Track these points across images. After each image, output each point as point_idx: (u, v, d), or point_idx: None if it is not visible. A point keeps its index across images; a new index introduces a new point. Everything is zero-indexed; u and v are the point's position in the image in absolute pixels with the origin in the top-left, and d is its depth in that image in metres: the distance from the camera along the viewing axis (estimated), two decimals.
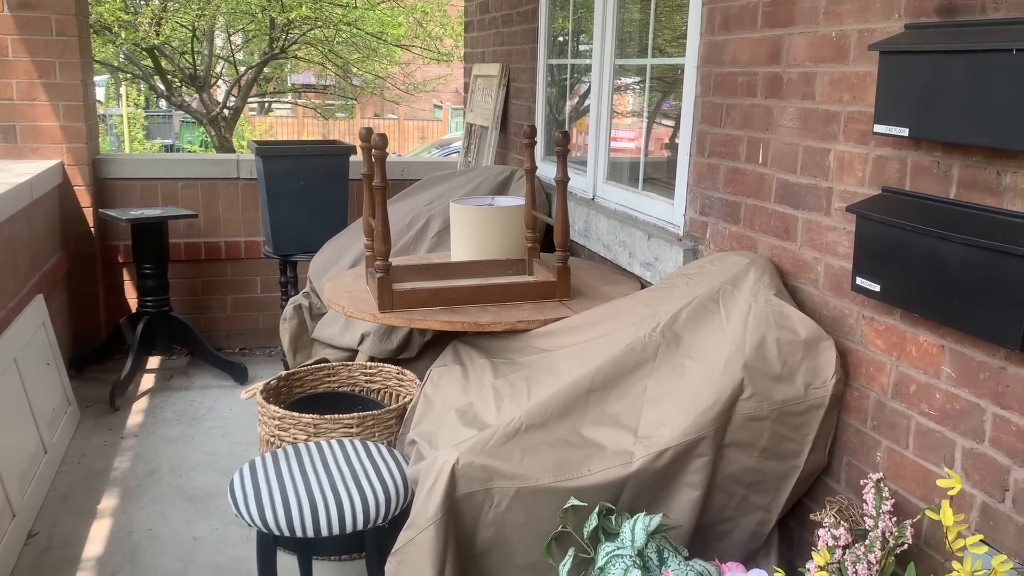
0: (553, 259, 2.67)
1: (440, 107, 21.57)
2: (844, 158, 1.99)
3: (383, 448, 2.41)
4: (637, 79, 3.47)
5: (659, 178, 3.13)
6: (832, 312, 2.03)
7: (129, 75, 9.12)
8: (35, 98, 4.22)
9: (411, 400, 2.57)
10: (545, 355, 2.41)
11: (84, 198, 4.37)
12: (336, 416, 2.68)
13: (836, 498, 1.89)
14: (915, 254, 1.66)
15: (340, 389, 3.19)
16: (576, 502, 1.81)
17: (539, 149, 4.03)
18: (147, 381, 4.36)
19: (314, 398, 3.11)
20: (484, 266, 2.95)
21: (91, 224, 4.40)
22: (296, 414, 2.69)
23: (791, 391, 1.93)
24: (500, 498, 1.84)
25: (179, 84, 8.30)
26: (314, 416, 2.69)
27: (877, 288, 1.77)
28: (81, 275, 4.45)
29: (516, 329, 2.49)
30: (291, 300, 3.60)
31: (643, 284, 2.87)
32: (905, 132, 1.67)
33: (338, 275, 3.22)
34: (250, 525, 2.14)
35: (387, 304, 2.54)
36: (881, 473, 1.72)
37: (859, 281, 1.83)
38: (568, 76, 3.89)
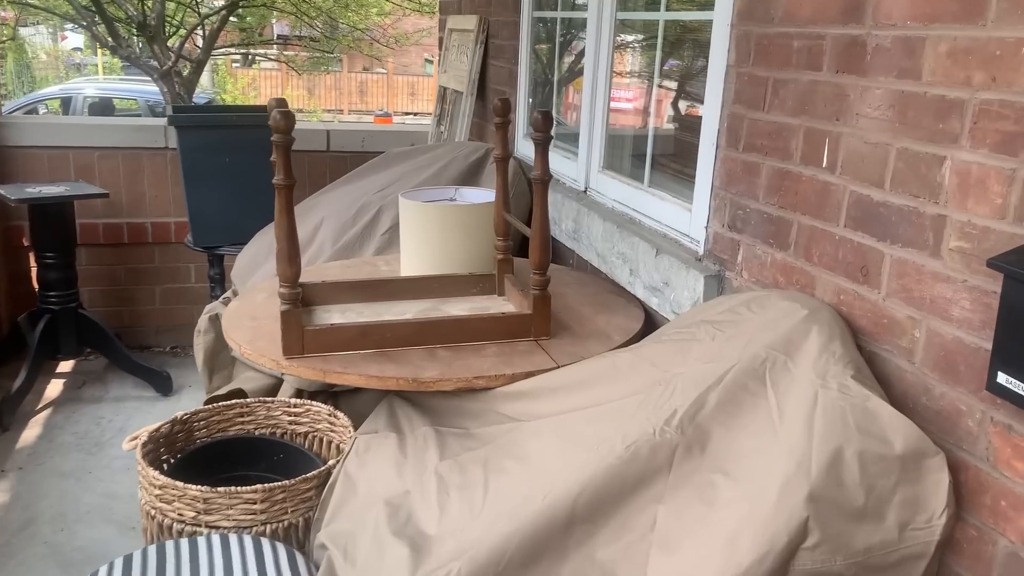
0: (530, 284, 1.97)
1: (432, 62, 20.61)
2: (970, 172, 1.28)
3: (283, 556, 1.73)
4: (645, 38, 2.73)
5: (673, 169, 2.42)
6: (937, 405, 1.35)
7: (69, 21, 8.26)
8: None
9: (337, 463, 1.88)
10: (512, 427, 1.73)
11: None
12: (233, 489, 2.00)
13: None
14: None
15: (258, 432, 2.51)
16: None
17: (521, 124, 3.30)
18: (53, 389, 3.67)
19: (222, 446, 2.42)
20: (439, 283, 2.25)
21: None
22: (181, 485, 2.01)
23: (879, 534, 1.25)
24: None
25: (131, 33, 7.42)
26: (203, 489, 2.00)
27: None
28: None
29: (472, 388, 1.79)
30: (207, 308, 2.90)
31: (648, 314, 2.17)
32: None
33: (257, 284, 2.51)
34: None
35: (295, 347, 1.84)
36: None
37: (1002, 379, 1.14)
38: (558, 32, 3.15)
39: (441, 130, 3.99)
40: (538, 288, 1.96)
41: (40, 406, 3.50)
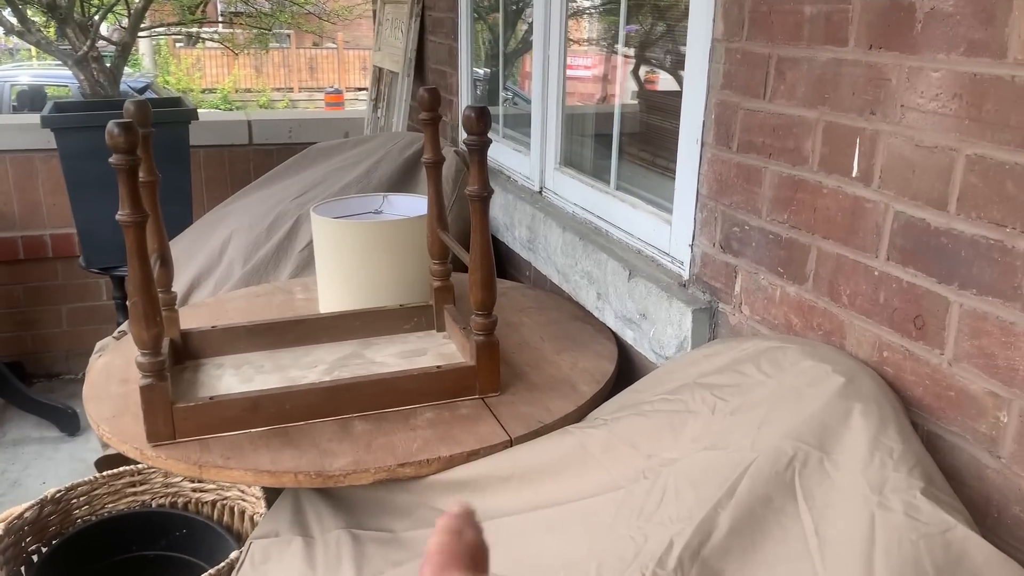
0: (472, 327, 1.54)
1: None
2: None
3: None
4: (604, 4, 2.30)
5: (651, 163, 2.00)
6: None
7: None
8: None
9: (239, 554, 1.45)
10: None
11: None
12: None
13: None
14: None
15: (155, 504, 2.06)
16: None
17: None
18: None
19: (108, 526, 1.98)
20: (363, 320, 1.82)
21: None
22: None
23: None
24: None
25: (40, 15, 6.77)
26: None
27: None
28: None
29: (396, 477, 1.37)
30: (97, 347, 2.44)
31: (623, 348, 1.76)
32: None
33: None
34: None
35: (162, 431, 1.39)
36: None
37: None
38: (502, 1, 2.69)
39: (378, 115, 3.52)
40: (482, 333, 1.53)
41: None
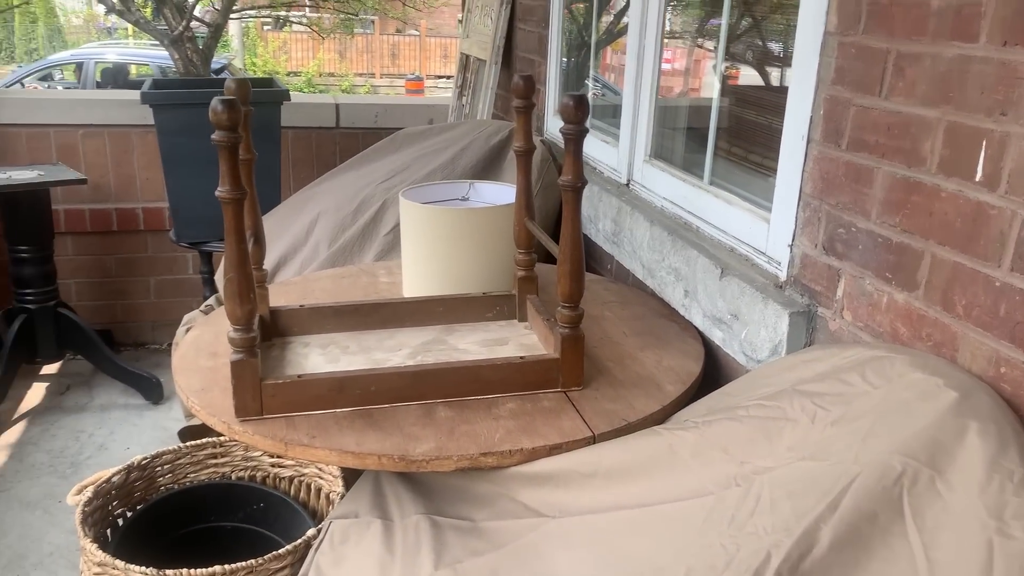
0: (557, 319, 1.52)
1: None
2: None
3: None
4: None
5: (743, 159, 1.94)
6: None
7: None
8: None
9: (319, 531, 1.47)
10: (533, 525, 1.29)
11: None
12: (186, 573, 1.60)
13: None
14: None
15: (235, 477, 2.10)
16: None
17: (552, 98, 2.82)
18: (34, 395, 3.31)
19: (190, 494, 2.03)
20: (446, 307, 1.81)
21: None
22: (122, 565, 1.61)
23: None
24: None
25: None
26: (148, 572, 1.60)
27: None
28: None
29: (478, 466, 1.35)
30: (185, 319, 2.49)
31: (710, 350, 1.71)
32: None
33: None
34: None
35: (250, 407, 1.41)
36: None
37: None
38: None
39: (463, 103, 3.52)
40: (568, 326, 1.50)
41: (16, 416, 3.15)
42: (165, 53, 10.29)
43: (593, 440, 1.38)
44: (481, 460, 1.35)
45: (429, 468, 1.34)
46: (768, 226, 1.60)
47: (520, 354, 1.62)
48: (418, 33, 19.62)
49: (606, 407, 1.48)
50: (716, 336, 1.68)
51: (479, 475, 1.38)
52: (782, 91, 1.57)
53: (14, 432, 3.04)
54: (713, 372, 1.68)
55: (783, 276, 1.55)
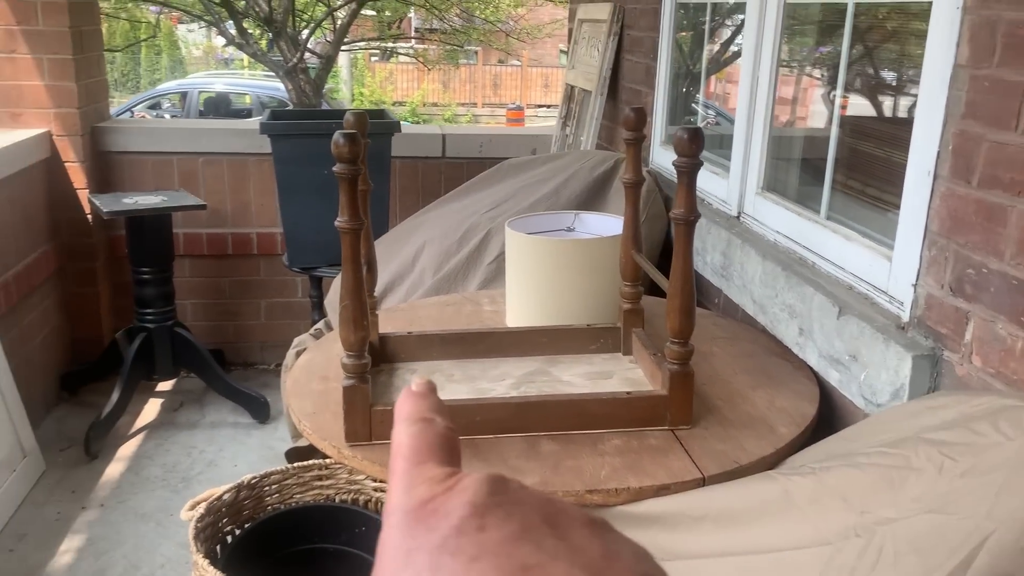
0: (666, 355, 1.49)
1: (566, 53, 20.20)
2: None
3: None
4: (824, 23, 2.19)
5: (860, 193, 1.87)
6: None
7: (192, 16, 8.30)
8: (14, 50, 3.30)
9: None
10: None
11: (78, 177, 3.46)
12: None
13: None
14: None
15: (339, 499, 2.14)
16: None
17: (659, 129, 2.80)
18: (150, 410, 3.47)
19: (294, 516, 2.07)
20: (550, 338, 1.80)
21: (88, 210, 3.49)
22: None
23: None
24: None
25: (255, 28, 7.30)
26: None
27: None
28: (77, 272, 3.58)
29: (583, 504, 1.34)
30: (295, 342, 2.57)
31: (825, 392, 1.65)
32: None
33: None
34: None
35: (360, 432, 1.43)
36: None
37: None
38: (707, 18, 2.63)
39: (567, 132, 3.54)
40: (677, 362, 1.48)
41: (133, 430, 3.30)
42: (267, 84, 10.75)
43: (703, 482, 1.35)
44: (587, 497, 1.33)
45: None
46: (890, 264, 1.54)
47: (626, 389, 1.59)
48: (520, 63, 19.89)
49: (716, 447, 1.44)
50: (832, 377, 1.61)
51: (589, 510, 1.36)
52: (899, 122, 1.51)
53: (131, 445, 3.18)
54: (828, 415, 1.61)
55: (906, 317, 1.48)
